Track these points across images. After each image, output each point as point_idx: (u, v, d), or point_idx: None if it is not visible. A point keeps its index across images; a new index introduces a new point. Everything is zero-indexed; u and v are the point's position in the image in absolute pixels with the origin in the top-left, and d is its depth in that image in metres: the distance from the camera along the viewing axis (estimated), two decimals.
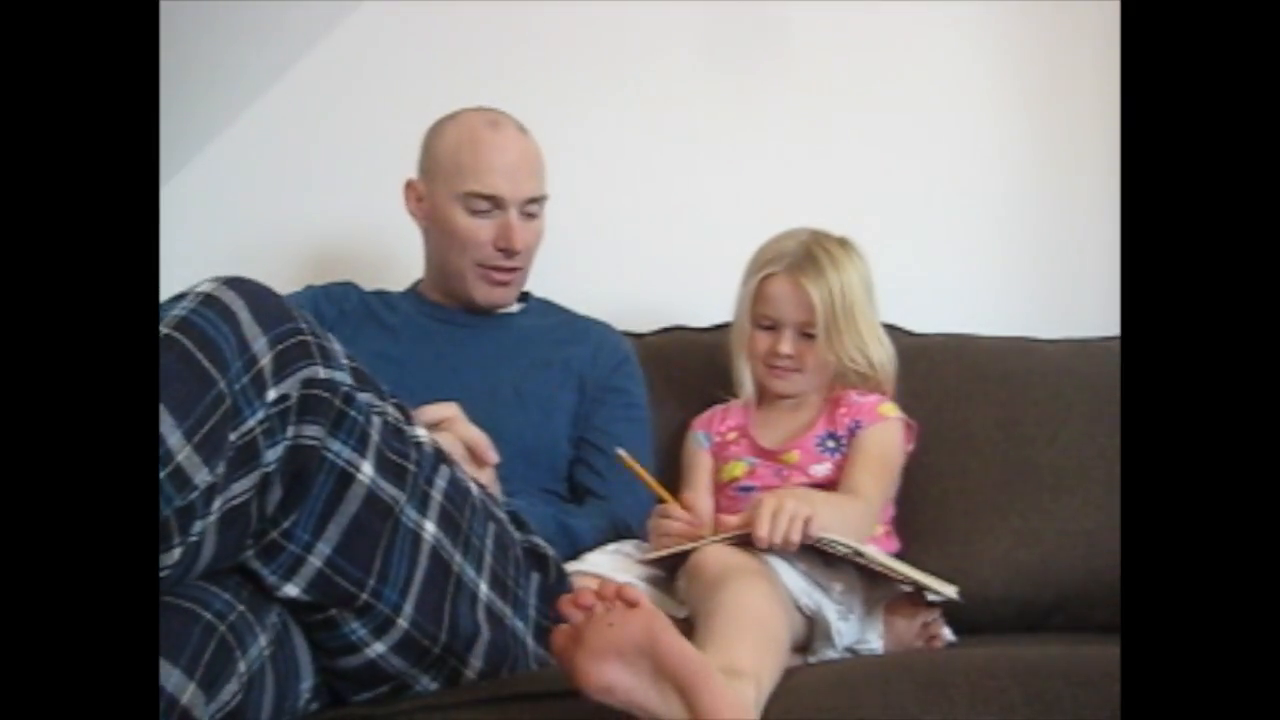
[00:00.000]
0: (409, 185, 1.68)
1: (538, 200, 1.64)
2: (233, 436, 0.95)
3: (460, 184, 1.60)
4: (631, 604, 0.99)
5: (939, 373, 1.70)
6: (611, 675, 0.96)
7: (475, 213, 1.60)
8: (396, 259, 1.85)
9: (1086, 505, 1.57)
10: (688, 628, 1.16)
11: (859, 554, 1.26)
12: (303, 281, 1.73)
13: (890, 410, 1.56)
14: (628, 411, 1.65)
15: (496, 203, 1.60)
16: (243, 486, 0.97)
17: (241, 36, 1.91)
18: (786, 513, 1.25)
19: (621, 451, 1.45)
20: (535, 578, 1.25)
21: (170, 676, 0.93)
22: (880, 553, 1.35)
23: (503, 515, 1.25)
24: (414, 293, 1.73)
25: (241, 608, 1.02)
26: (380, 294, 1.72)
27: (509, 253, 1.61)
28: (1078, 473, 1.60)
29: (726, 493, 1.57)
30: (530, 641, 1.21)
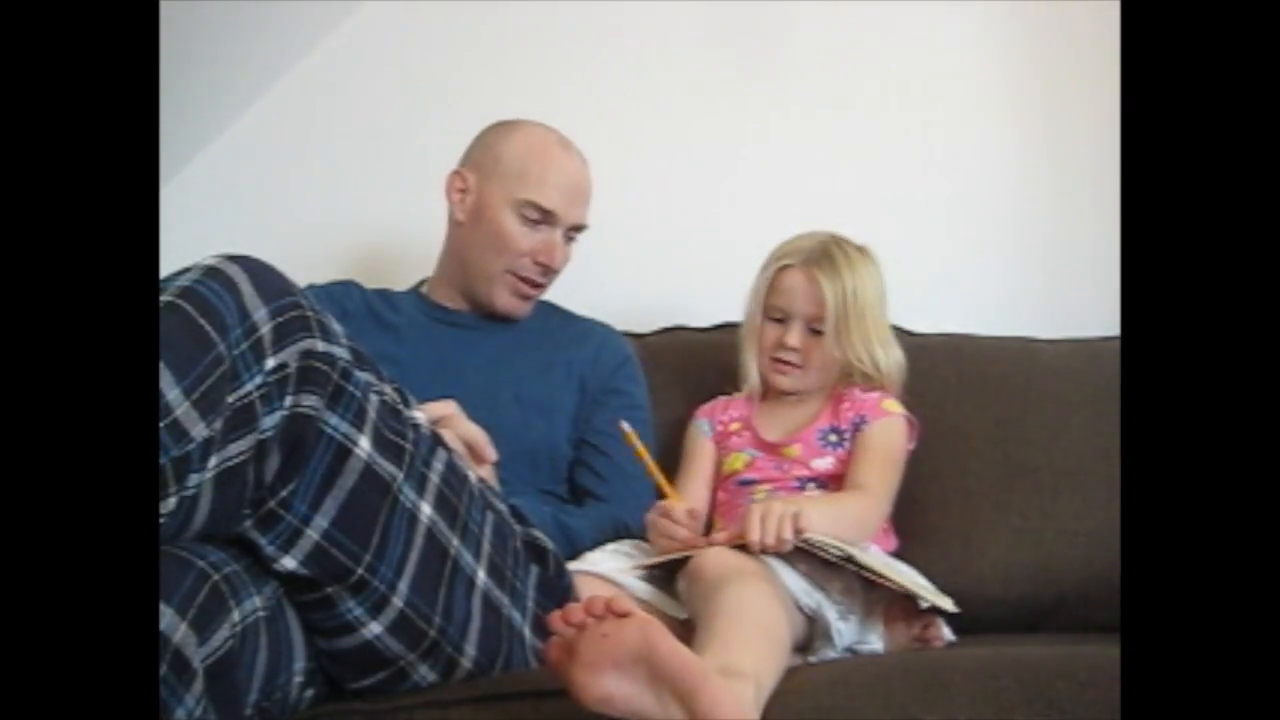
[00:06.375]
0: (456, 174, 1.67)
1: (581, 229, 1.67)
2: (230, 398, 0.97)
3: (521, 190, 1.62)
4: (623, 614, 0.99)
5: (939, 373, 1.70)
6: (609, 685, 0.96)
7: (527, 221, 1.62)
8: (398, 258, 1.86)
9: (1086, 505, 1.57)
10: (688, 630, 1.16)
11: (850, 559, 1.27)
12: (305, 280, 1.71)
13: (894, 406, 1.55)
14: (629, 414, 1.63)
15: (549, 218, 1.62)
16: (239, 448, 0.98)
17: (241, 36, 1.92)
18: (774, 514, 1.27)
19: (625, 425, 1.45)
20: (534, 570, 1.26)
21: (162, 616, 0.94)
22: (877, 558, 1.35)
23: (502, 507, 1.25)
24: (416, 293, 1.74)
25: (238, 567, 1.03)
26: (382, 293, 1.72)
27: (545, 269, 1.64)
28: (1078, 473, 1.60)
29: (727, 486, 1.57)
30: (527, 633, 1.21)
